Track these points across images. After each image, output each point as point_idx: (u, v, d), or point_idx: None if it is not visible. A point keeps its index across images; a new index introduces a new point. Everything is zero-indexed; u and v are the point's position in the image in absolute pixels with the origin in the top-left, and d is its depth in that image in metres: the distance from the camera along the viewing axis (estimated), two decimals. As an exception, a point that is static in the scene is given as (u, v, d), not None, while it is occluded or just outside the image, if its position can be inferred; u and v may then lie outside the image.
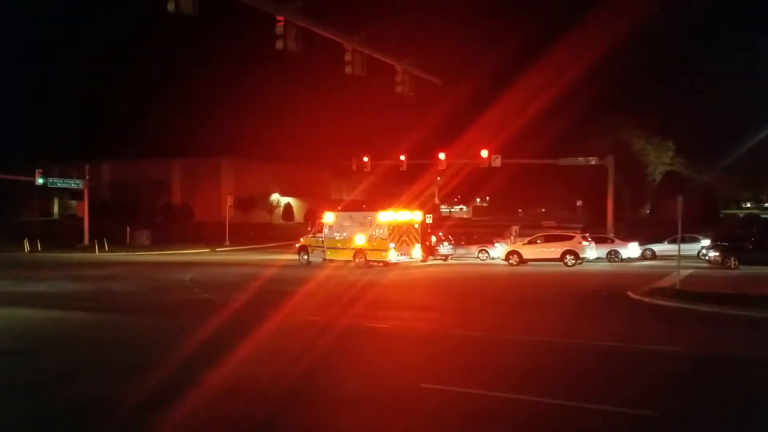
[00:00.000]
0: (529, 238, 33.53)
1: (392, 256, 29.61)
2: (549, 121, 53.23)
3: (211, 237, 52.57)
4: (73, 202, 65.84)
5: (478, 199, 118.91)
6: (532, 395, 7.96)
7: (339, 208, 34.86)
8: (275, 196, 74.22)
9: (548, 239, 32.34)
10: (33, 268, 31.68)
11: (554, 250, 31.05)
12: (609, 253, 33.63)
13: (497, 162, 39.75)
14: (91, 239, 49.61)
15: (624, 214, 50.30)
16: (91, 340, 12.10)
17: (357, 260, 30.11)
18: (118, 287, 22.14)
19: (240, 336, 11.91)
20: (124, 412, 7.38)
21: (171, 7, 11.67)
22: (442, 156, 41.84)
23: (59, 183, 54.51)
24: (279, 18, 13.84)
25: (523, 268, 29.96)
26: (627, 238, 36.01)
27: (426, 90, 22.77)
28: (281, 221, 71.07)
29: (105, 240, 47.89)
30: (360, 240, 30.39)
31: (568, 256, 30.36)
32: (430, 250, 35.46)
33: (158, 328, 13.41)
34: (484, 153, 39.49)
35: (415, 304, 18.41)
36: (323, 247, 31.67)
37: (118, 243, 49.93)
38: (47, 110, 64.00)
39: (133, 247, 50.67)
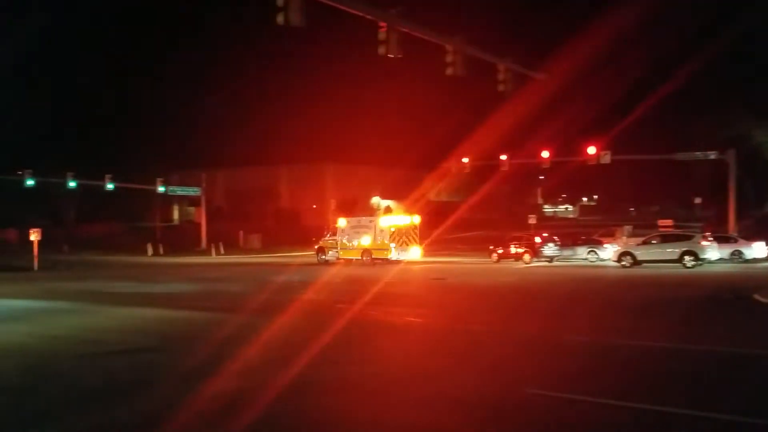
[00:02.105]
0: (644, 238, 31.88)
1: (393, 254, 33.97)
2: (662, 113, 50.42)
3: (316, 240, 54.13)
4: (192, 209, 70.01)
5: (584, 198, 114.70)
6: (644, 403, 7.56)
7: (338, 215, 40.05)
8: (376, 199, 75.30)
9: (665, 239, 30.58)
10: (156, 271, 34.01)
11: (671, 250, 29.32)
12: (732, 253, 31.38)
13: (606, 158, 38.21)
14: (208, 243, 52.62)
15: (748, 211, 46.72)
16: (209, 338, 12.77)
17: (364, 258, 34.60)
18: (233, 288, 23.31)
19: (349, 335, 12.21)
20: (240, 409, 7.72)
21: (280, 19, 12.15)
22: (545, 154, 40.77)
23: (178, 191, 58.39)
24: (381, 24, 14.04)
25: (636, 270, 28.54)
26: (752, 237, 33.44)
27: (528, 85, 22.26)
28: (383, 223, 72.20)
29: (220, 244, 50.59)
30: (366, 241, 35.04)
31: (686, 257, 28.57)
32: (534, 252, 34.65)
33: (273, 327, 13.96)
34: (592, 149, 38.06)
35: (517, 307, 18.02)
36: (337, 247, 36.32)
37: (232, 246, 52.59)
38: (166, 121, 68.58)
39: (245, 250, 53.20)
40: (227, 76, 72.57)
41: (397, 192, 75.22)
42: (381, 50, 14.31)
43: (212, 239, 52.09)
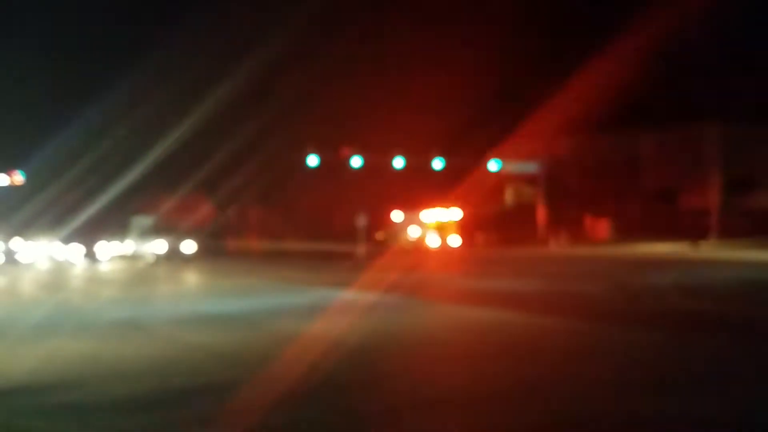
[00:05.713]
0: None
1: (431, 242, 48.99)
2: None
3: (693, 229, 49.02)
4: (528, 189, 69.53)
5: None
6: None
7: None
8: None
9: None
10: (486, 263, 34.47)
11: None
12: None
13: None
14: (547, 231, 52.26)
15: None
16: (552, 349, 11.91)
17: (412, 245, 47.75)
18: (580, 288, 21.81)
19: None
20: None
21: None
22: None
23: (514, 169, 58.37)
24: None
25: None
26: None
27: None
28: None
29: (562, 232, 49.87)
30: (416, 233, 50.26)
31: None
32: None
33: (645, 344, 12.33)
34: None
35: None
36: (394, 237, 49.86)
37: (573, 235, 51.24)
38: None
39: (592, 240, 51.57)
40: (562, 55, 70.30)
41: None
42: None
43: (554, 226, 51.59)
